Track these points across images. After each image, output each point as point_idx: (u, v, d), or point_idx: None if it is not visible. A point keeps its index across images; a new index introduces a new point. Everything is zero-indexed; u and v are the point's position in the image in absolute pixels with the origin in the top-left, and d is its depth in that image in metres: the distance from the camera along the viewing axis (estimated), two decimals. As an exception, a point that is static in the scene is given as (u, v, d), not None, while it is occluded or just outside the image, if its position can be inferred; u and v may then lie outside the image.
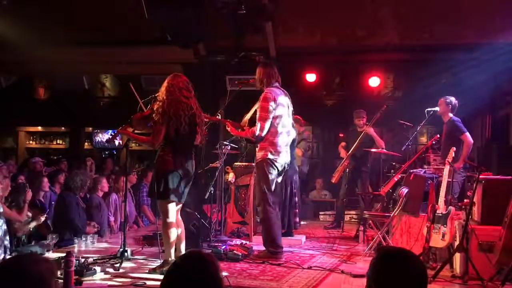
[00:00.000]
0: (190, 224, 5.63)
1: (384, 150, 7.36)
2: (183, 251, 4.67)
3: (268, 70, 5.48)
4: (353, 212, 8.69)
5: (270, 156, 5.31)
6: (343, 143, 8.03)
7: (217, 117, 5.48)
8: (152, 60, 9.71)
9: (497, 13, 7.81)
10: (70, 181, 6.43)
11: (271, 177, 5.34)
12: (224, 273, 4.38)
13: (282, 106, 5.41)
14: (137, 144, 4.77)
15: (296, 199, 7.44)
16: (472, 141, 6.32)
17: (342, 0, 8.23)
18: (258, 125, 5.28)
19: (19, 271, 1.78)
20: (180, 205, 4.75)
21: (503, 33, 7.90)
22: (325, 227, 8.07)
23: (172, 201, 4.54)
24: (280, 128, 5.38)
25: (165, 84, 4.60)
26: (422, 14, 8.13)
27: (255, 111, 5.49)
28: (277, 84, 5.49)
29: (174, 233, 4.57)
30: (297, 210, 7.47)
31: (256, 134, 5.28)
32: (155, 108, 4.51)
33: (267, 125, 5.29)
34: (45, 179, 6.85)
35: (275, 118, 5.34)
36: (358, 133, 7.85)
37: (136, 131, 4.99)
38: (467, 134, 6.32)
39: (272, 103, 5.28)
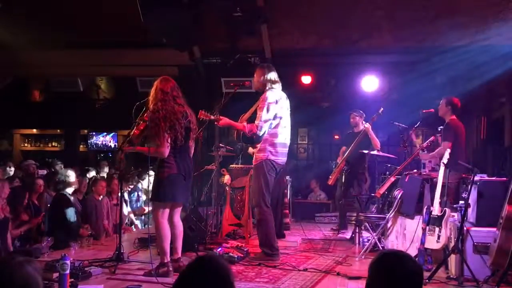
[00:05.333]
0: (186, 226, 5.62)
1: (380, 152, 7.37)
2: (179, 253, 4.68)
3: (268, 72, 5.46)
4: (349, 213, 8.66)
5: (271, 157, 5.31)
6: (343, 148, 7.99)
7: (214, 115, 5.39)
8: (147, 62, 9.70)
9: (492, 16, 7.85)
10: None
11: (270, 178, 5.34)
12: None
13: (283, 108, 5.41)
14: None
15: (286, 199, 7.45)
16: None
17: (337, 2, 8.24)
18: (258, 124, 5.25)
19: (6, 276, 1.74)
20: (180, 207, 4.81)
21: (497, 35, 7.94)
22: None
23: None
24: (280, 130, 5.38)
25: (156, 89, 4.58)
26: (417, 15, 8.15)
27: (254, 112, 5.46)
28: (277, 86, 5.48)
29: (169, 235, 4.59)
30: (287, 211, 7.48)
31: (255, 132, 5.25)
32: (151, 119, 4.49)
33: (266, 125, 5.28)
34: (40, 181, 6.82)
35: (276, 119, 5.33)
36: (355, 134, 7.85)
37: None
38: (448, 144, 5.79)
39: (273, 104, 5.28)
